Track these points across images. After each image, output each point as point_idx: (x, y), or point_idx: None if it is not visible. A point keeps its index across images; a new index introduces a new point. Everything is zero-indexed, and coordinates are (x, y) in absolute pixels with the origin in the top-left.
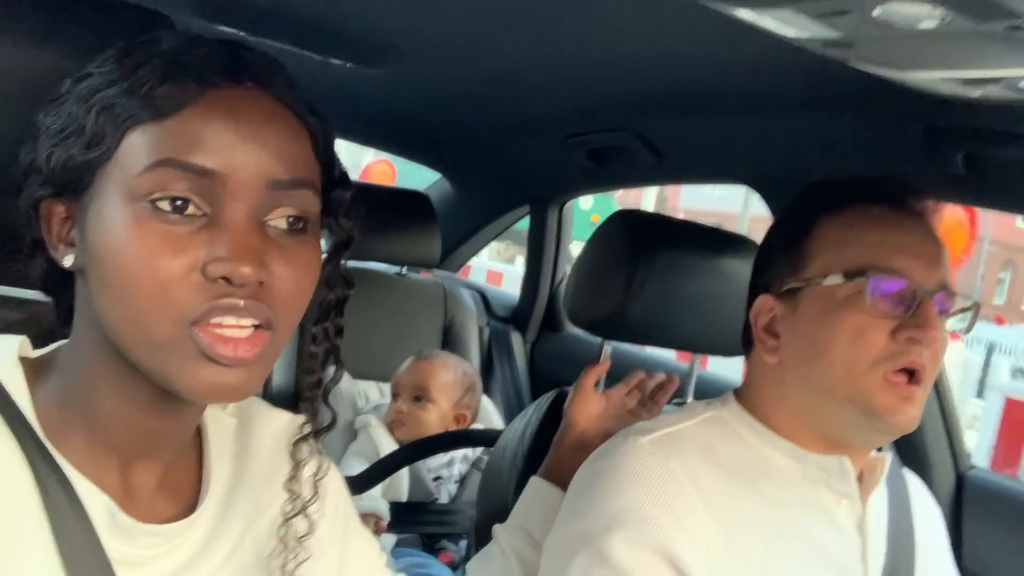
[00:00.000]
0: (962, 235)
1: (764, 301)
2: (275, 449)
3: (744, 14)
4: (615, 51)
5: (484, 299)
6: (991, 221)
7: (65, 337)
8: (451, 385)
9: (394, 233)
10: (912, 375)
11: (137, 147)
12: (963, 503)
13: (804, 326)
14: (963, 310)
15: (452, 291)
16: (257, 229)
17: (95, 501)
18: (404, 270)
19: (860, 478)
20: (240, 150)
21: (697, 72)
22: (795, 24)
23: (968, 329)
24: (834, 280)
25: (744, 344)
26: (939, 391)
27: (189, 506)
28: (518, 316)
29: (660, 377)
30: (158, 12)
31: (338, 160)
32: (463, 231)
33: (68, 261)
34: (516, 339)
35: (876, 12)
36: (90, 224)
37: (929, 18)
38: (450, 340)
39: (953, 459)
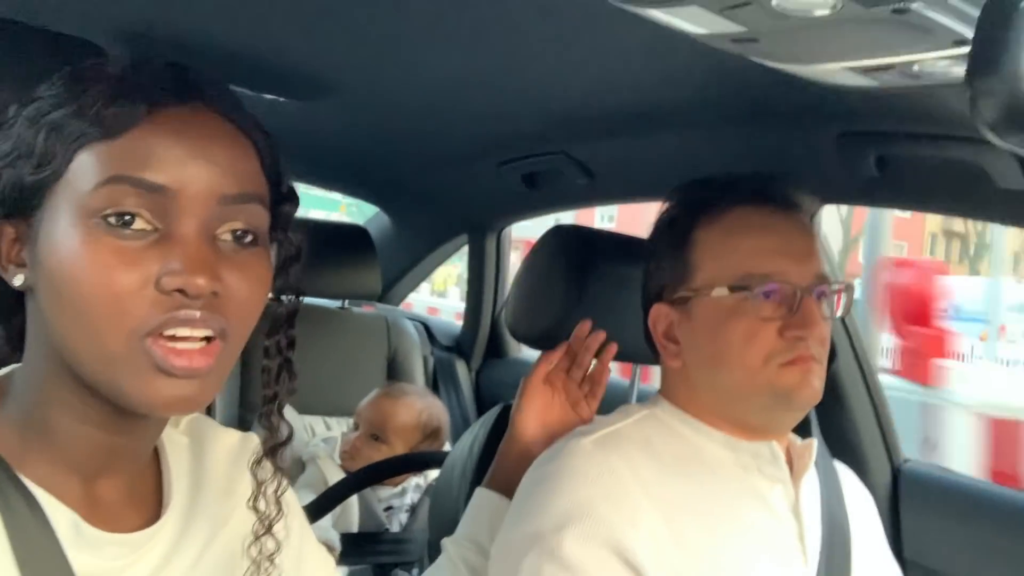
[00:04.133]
0: None
1: (659, 309)
2: (230, 464)
3: (655, 14)
4: (542, 73)
5: (427, 329)
6: None
7: (18, 362)
8: (409, 429)
9: (334, 267)
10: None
11: (87, 166)
12: (900, 496)
13: (700, 334)
14: (838, 292)
15: (395, 322)
16: (208, 242)
17: (59, 515)
18: (346, 304)
19: (790, 463)
20: (190, 166)
21: (623, 89)
22: (702, 21)
23: (846, 310)
24: (720, 292)
25: (651, 349)
26: (870, 389)
27: (153, 515)
28: (462, 344)
29: (597, 336)
30: (94, 44)
31: (285, 176)
32: (403, 264)
33: (18, 281)
34: (461, 367)
35: (775, 1)
36: (41, 243)
37: (823, 6)
38: (395, 371)
39: (888, 454)
